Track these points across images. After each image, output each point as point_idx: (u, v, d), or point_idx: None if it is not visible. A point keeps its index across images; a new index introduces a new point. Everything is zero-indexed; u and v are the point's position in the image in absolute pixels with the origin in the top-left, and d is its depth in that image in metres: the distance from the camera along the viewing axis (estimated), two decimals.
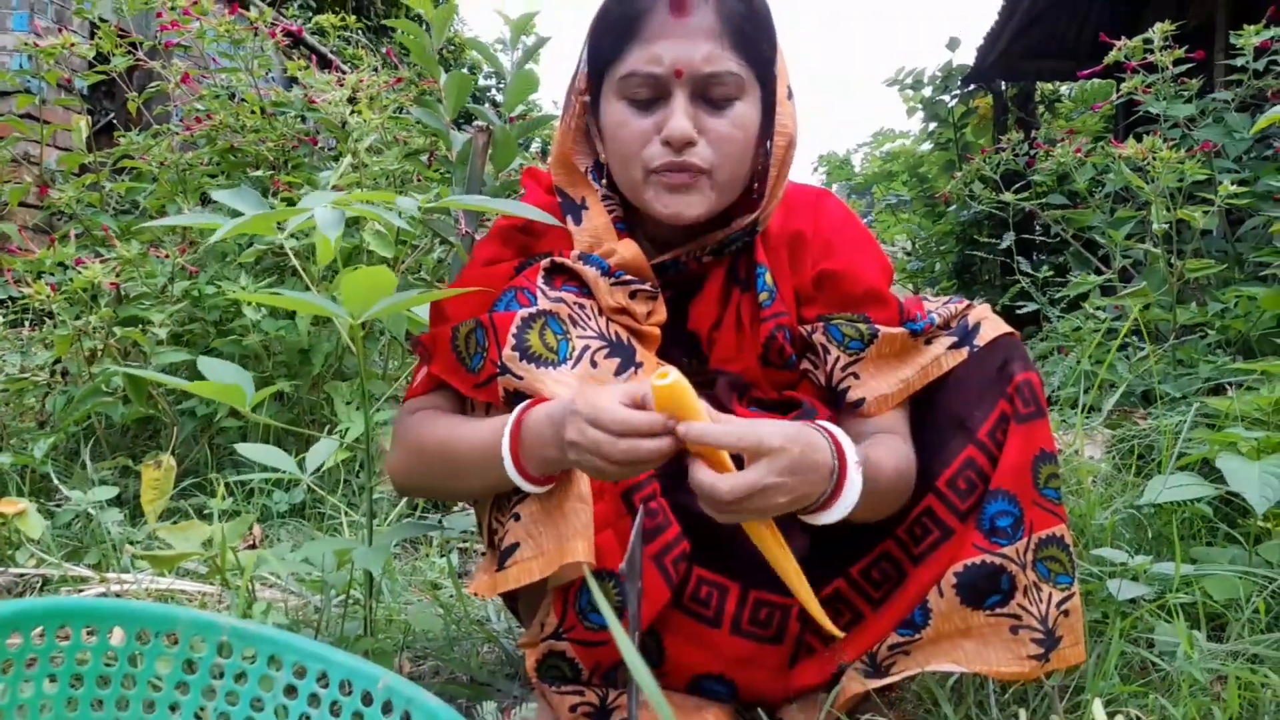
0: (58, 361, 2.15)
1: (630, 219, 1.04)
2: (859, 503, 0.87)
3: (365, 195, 0.96)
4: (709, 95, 0.95)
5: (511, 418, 0.91)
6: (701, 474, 0.81)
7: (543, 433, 0.87)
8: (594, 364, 0.93)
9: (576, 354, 0.93)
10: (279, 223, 1.11)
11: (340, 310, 0.95)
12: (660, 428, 0.80)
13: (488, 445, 0.92)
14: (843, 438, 0.88)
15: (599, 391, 0.83)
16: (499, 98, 9.08)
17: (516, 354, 0.93)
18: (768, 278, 1.05)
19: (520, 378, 0.92)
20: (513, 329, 0.94)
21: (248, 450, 1.20)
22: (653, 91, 0.95)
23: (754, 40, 0.97)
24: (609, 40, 0.98)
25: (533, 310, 0.94)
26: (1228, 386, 1.94)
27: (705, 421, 0.80)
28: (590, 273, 0.97)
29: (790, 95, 1.03)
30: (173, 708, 0.84)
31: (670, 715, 0.40)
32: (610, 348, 0.95)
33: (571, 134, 1.04)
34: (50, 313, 2.19)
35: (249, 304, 1.97)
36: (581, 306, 0.96)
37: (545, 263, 0.98)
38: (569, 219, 1.03)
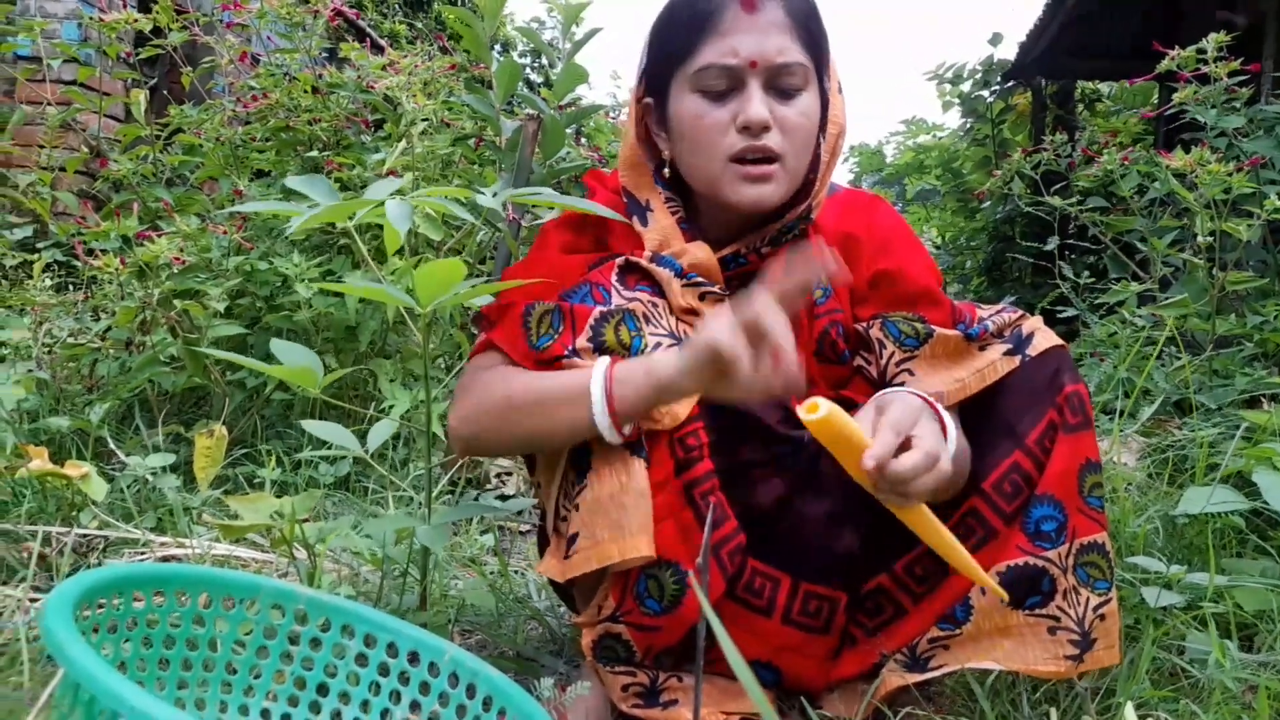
0: (108, 329, 2.21)
1: (691, 217, 1.08)
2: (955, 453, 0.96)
3: (440, 190, 1.00)
4: (780, 85, 1.00)
5: (608, 358, 0.95)
6: (902, 461, 0.86)
7: (647, 358, 0.93)
8: None
9: (649, 351, 0.97)
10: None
11: (411, 300, 0.99)
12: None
13: (577, 381, 0.94)
14: (929, 397, 0.97)
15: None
16: (534, 77, 9.09)
17: (591, 345, 0.97)
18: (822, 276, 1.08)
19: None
20: (590, 321, 0.97)
21: (313, 427, 1.24)
22: (728, 83, 0.99)
23: (816, 36, 1.02)
24: (680, 37, 1.01)
25: (610, 307, 0.98)
26: (1263, 399, 1.95)
27: (862, 437, 0.86)
28: (664, 274, 1.01)
29: (840, 89, 1.07)
30: (252, 670, 0.89)
31: (754, 683, 0.42)
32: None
33: (637, 138, 1.08)
34: (95, 278, 2.25)
35: (303, 282, 2.01)
36: (655, 305, 1.00)
37: (620, 261, 1.01)
38: (635, 220, 1.07)
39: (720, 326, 0.86)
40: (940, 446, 0.88)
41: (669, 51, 1.02)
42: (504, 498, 2.16)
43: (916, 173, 8.58)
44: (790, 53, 0.99)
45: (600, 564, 0.94)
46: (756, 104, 0.98)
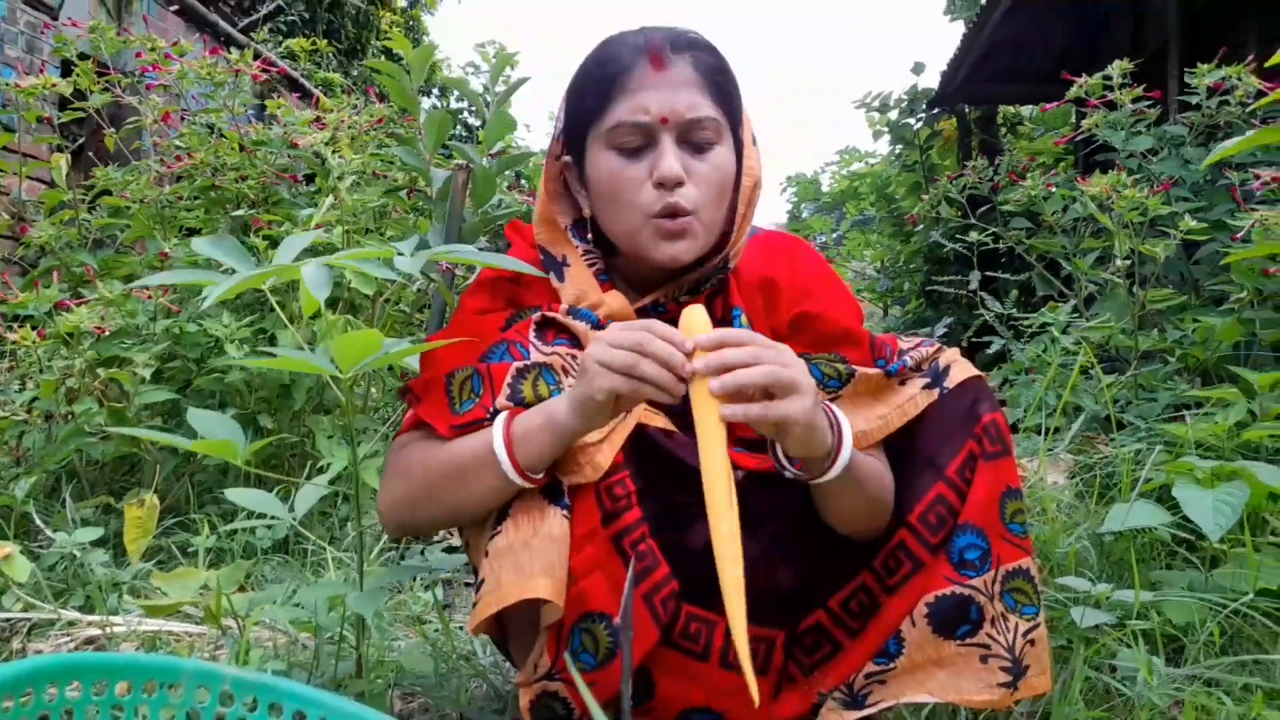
0: (34, 400, 2.15)
1: (610, 268, 1.09)
2: (851, 465, 0.96)
3: (357, 253, 1.00)
4: (692, 139, 1.02)
5: (506, 412, 0.96)
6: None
7: (542, 406, 0.94)
8: None
9: None
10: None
11: (333, 368, 0.98)
12: (680, 338, 0.88)
13: (485, 443, 0.95)
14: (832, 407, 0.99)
15: None
16: (471, 120, 9.11)
17: (510, 403, 0.97)
18: (743, 320, 1.10)
19: None
20: (508, 379, 0.98)
21: (236, 495, 1.22)
22: (641, 139, 1.01)
23: (726, 90, 1.04)
24: (593, 97, 1.03)
25: (527, 362, 0.98)
26: (1186, 413, 2.01)
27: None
28: (580, 326, 1.02)
29: (754, 141, 1.09)
30: None
31: None
32: None
33: (550, 195, 1.09)
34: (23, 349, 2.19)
35: (232, 342, 1.98)
36: (574, 357, 1.00)
37: (536, 317, 1.02)
38: (552, 276, 1.08)
39: (593, 368, 0.88)
40: (785, 366, 0.87)
41: (583, 110, 1.04)
42: (452, 549, 2.13)
43: (853, 199, 8.76)
44: (701, 108, 1.01)
45: (499, 607, 0.92)
46: (669, 159, 1.00)
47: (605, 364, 0.88)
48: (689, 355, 0.88)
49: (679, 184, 1.00)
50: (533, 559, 0.92)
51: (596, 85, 1.03)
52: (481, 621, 0.94)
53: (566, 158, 1.08)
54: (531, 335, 1.01)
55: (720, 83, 1.03)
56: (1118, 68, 2.44)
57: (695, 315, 0.92)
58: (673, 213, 1.01)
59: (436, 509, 1.01)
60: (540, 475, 0.95)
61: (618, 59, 1.02)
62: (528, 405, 0.97)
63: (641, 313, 1.07)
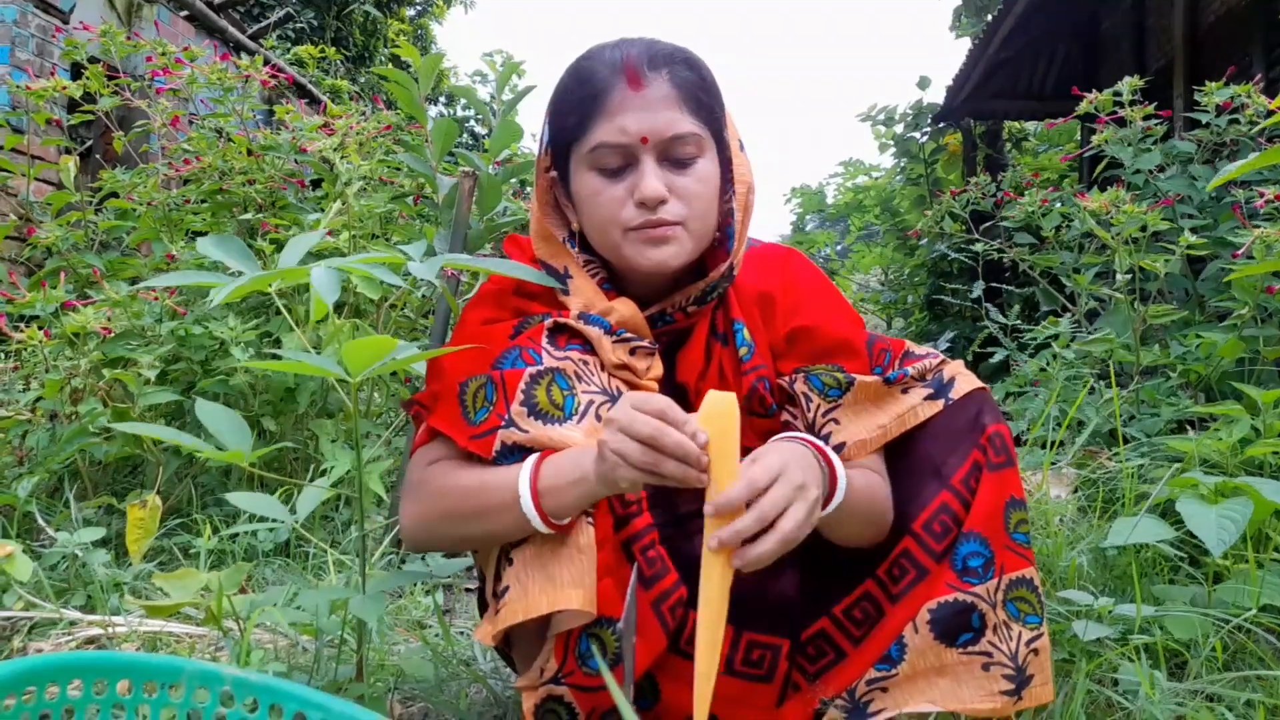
0: (38, 399, 2.16)
1: (613, 279, 1.10)
2: (848, 496, 0.96)
3: (367, 258, 1.00)
4: (673, 156, 1.02)
5: (534, 456, 0.95)
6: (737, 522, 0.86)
7: (572, 461, 0.92)
8: (598, 418, 0.97)
9: (582, 409, 0.97)
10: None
11: (342, 371, 0.98)
12: (692, 429, 0.85)
13: (510, 487, 0.95)
14: (818, 441, 0.98)
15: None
16: (478, 128, 9.16)
17: (524, 410, 0.97)
18: (745, 333, 1.10)
19: (526, 432, 0.96)
20: (521, 385, 0.98)
21: (237, 499, 1.22)
22: (622, 159, 1.01)
23: (706, 103, 1.04)
24: (573, 118, 1.03)
25: (540, 368, 0.99)
26: (1189, 426, 2.01)
27: (736, 448, 0.87)
28: (594, 332, 1.02)
29: (742, 148, 1.10)
30: None
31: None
32: (613, 402, 0.99)
33: (543, 209, 1.09)
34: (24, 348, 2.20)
35: (237, 344, 1.99)
36: (585, 363, 1.01)
37: (549, 323, 1.02)
38: (558, 289, 1.08)
39: (611, 458, 0.87)
40: (799, 521, 0.86)
41: (565, 129, 1.05)
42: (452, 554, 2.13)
43: (857, 212, 8.78)
44: (680, 124, 1.01)
45: (527, 616, 0.92)
46: (650, 179, 1.00)
47: (623, 456, 0.86)
48: (703, 447, 0.86)
49: (661, 202, 1.00)
50: (562, 568, 0.92)
51: (575, 105, 1.03)
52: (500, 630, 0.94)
53: (553, 173, 1.09)
54: (544, 340, 1.01)
55: (700, 96, 1.03)
56: (1128, 85, 2.45)
57: (722, 404, 0.88)
58: (656, 226, 1.01)
59: (457, 537, 1.02)
60: (565, 522, 0.95)
61: (595, 78, 1.02)
62: (541, 411, 0.97)
63: (648, 321, 1.07)
